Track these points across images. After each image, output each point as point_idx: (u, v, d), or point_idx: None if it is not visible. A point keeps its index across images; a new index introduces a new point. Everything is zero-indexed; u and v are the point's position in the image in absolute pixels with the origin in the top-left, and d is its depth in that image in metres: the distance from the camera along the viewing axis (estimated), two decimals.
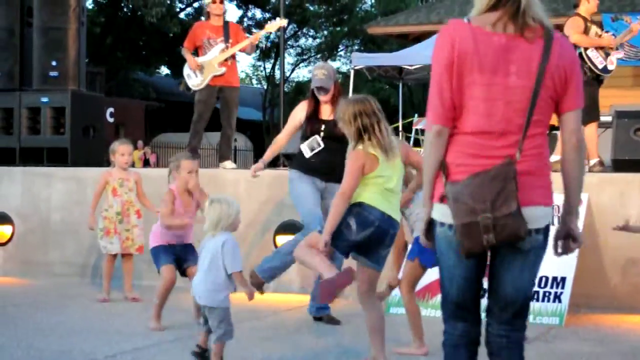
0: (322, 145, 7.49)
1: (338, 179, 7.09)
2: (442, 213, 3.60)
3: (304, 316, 7.80)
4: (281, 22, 11.86)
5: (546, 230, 3.61)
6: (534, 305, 7.53)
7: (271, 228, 9.38)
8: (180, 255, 7.36)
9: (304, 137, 7.62)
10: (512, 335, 3.70)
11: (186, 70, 11.18)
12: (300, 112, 7.68)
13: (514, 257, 3.58)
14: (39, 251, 10.73)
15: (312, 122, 7.55)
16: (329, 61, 46.59)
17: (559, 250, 3.73)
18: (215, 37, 11.02)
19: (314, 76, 7.58)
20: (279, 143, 7.87)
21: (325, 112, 7.56)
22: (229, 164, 11.13)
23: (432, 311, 7.55)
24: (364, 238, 5.43)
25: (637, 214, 8.27)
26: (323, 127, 7.50)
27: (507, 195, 3.41)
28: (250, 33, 36.32)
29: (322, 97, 7.53)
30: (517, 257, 3.58)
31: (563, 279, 7.79)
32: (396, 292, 8.25)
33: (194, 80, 11.06)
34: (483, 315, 3.78)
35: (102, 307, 8.40)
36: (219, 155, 11.45)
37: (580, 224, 8.02)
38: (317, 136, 7.51)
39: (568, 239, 3.72)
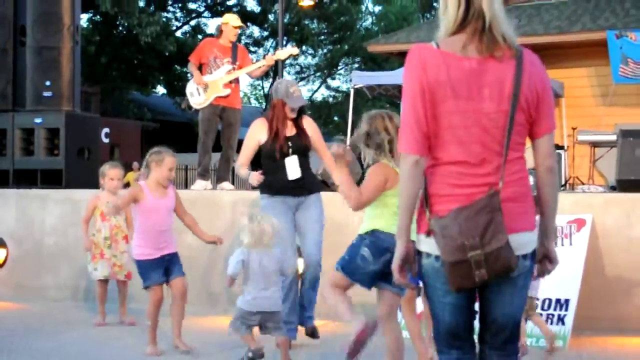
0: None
1: (309, 191, 7.49)
2: (429, 245, 3.56)
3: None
4: (292, 50, 12.08)
5: (533, 254, 3.61)
6: (536, 328, 7.55)
7: None
8: (167, 266, 7.26)
9: (270, 157, 7.49)
10: None
11: (189, 88, 11.30)
12: (258, 132, 7.55)
13: (503, 284, 3.57)
14: (33, 275, 10.75)
15: (279, 141, 7.43)
16: (328, 80, 46.81)
17: (536, 272, 3.73)
18: (223, 57, 11.17)
19: (292, 94, 7.47)
20: (243, 167, 7.58)
21: (287, 129, 7.51)
22: (227, 185, 11.19)
23: None
24: (381, 265, 5.41)
25: None
26: (290, 143, 7.48)
27: (495, 228, 3.39)
28: (249, 51, 36.58)
29: (293, 114, 7.51)
30: (507, 285, 3.57)
31: (567, 301, 7.81)
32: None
33: (197, 98, 11.17)
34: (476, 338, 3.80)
35: (97, 331, 8.42)
36: (217, 176, 11.51)
37: (584, 245, 8.09)
38: (295, 157, 7.45)
39: (545, 261, 3.72)
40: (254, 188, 7.71)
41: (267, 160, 7.52)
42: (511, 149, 3.52)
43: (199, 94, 11.15)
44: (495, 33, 3.48)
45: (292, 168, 7.45)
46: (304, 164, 7.51)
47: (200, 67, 11.28)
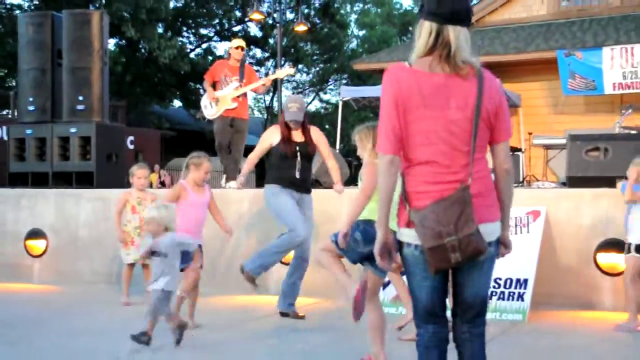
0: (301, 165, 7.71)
1: (308, 191, 7.75)
2: (409, 236, 3.62)
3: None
4: (289, 70, 12.37)
5: (497, 242, 3.70)
6: (500, 304, 7.56)
7: (271, 238, 9.37)
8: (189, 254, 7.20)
9: (281, 157, 7.68)
10: (473, 331, 3.77)
11: (203, 102, 11.52)
12: (271, 137, 7.79)
13: (472, 268, 3.64)
14: (70, 262, 10.74)
15: (289, 145, 7.67)
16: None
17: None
18: (232, 75, 11.38)
19: (289, 109, 7.70)
20: (251, 162, 7.89)
21: (297, 136, 7.75)
22: (234, 184, 11.19)
23: None
24: (370, 250, 5.41)
25: (589, 223, 8.31)
26: (298, 148, 7.67)
27: (466, 217, 3.46)
28: None
29: (294, 127, 7.72)
30: (475, 268, 3.64)
31: (525, 280, 7.81)
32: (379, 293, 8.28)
33: (210, 110, 11.41)
34: (449, 314, 3.83)
35: (125, 310, 8.41)
36: (226, 176, 11.51)
37: (539, 233, 8.09)
38: (298, 159, 7.66)
39: (501, 246, 3.78)
40: (258, 185, 7.79)
41: (278, 160, 7.71)
42: (477, 150, 3.57)
43: (212, 106, 11.38)
44: (457, 59, 3.55)
45: (299, 169, 7.70)
46: (307, 167, 7.78)
47: (214, 84, 11.46)
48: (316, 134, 7.85)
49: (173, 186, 8.66)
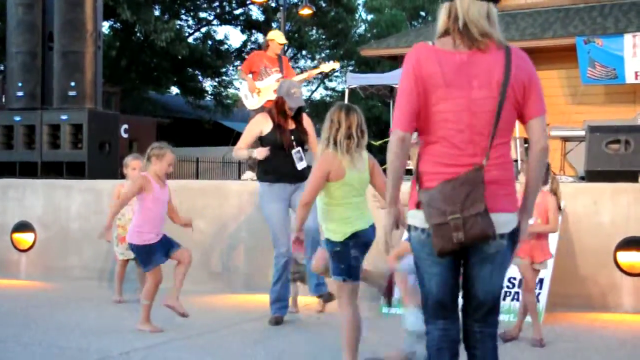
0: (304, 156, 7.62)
1: (305, 178, 7.25)
2: (417, 218, 3.61)
3: (299, 316, 7.82)
4: (334, 64, 12.56)
5: (511, 235, 3.62)
6: (515, 305, 7.52)
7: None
8: (166, 247, 7.12)
9: (275, 148, 7.49)
10: (485, 331, 3.73)
11: (243, 92, 11.73)
12: (260, 125, 7.58)
13: (483, 262, 3.61)
14: (59, 257, 10.73)
15: (283, 133, 7.50)
16: (325, 81, 46.73)
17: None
18: (271, 66, 11.60)
19: (292, 94, 7.50)
20: (241, 151, 7.65)
21: (288, 124, 7.60)
22: (250, 174, 11.26)
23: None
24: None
25: (608, 220, 8.28)
26: (292, 136, 7.54)
27: (475, 197, 3.44)
28: None
29: (290, 112, 7.56)
30: (486, 262, 3.60)
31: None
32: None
33: (251, 101, 11.58)
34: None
35: (116, 308, 8.40)
36: (249, 165, 11.53)
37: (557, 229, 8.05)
38: (299, 149, 7.55)
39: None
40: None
41: (271, 150, 7.49)
42: (498, 134, 3.54)
43: (253, 97, 11.55)
44: (471, 32, 3.55)
45: (299, 159, 7.53)
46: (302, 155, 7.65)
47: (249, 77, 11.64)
48: (307, 121, 7.71)
49: (132, 178, 8.43)
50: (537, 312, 6.82)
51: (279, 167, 7.50)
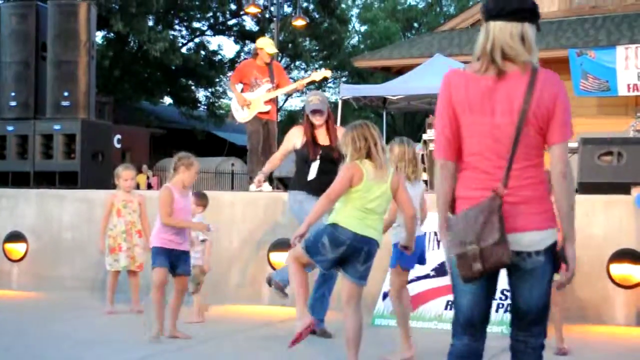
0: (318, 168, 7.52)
1: None
2: None
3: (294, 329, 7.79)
4: (326, 72, 11.88)
5: (548, 250, 3.67)
6: (507, 317, 7.50)
7: (265, 246, 9.37)
8: (176, 262, 7.15)
9: (305, 160, 7.56)
10: (529, 341, 3.81)
11: (234, 105, 11.41)
12: (295, 137, 7.64)
13: (522, 278, 3.71)
14: (51, 267, 10.69)
15: (313, 147, 7.52)
16: (319, 91, 46.81)
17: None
18: (262, 77, 11.27)
19: (309, 102, 7.55)
20: (274, 162, 7.94)
21: (321, 138, 7.57)
22: (266, 186, 11.11)
23: (414, 322, 7.49)
24: (339, 255, 5.53)
25: (601, 232, 8.28)
26: (321, 151, 7.51)
27: (491, 226, 3.51)
28: None
29: (318, 120, 7.50)
30: (525, 278, 3.70)
31: None
32: (379, 304, 8.25)
33: (242, 114, 11.29)
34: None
35: (108, 319, 8.37)
36: (250, 178, 11.46)
37: None
38: (318, 161, 7.48)
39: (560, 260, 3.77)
40: (278, 189, 7.73)
41: (300, 163, 7.62)
42: (521, 158, 3.61)
43: (243, 110, 11.27)
44: (496, 56, 3.58)
45: (314, 169, 7.49)
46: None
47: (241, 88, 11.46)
48: (338, 131, 7.55)
49: (160, 193, 8.43)
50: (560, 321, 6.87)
51: (311, 182, 7.48)
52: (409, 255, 6.19)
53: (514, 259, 3.58)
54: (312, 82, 13.94)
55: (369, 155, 5.54)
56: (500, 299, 7.70)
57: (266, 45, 11.45)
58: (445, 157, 3.70)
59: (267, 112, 11.22)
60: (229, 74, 38.53)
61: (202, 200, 8.25)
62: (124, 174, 8.75)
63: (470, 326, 3.76)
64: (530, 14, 3.62)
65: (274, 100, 11.63)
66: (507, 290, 7.52)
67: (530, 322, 3.78)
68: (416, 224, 6.02)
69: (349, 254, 5.51)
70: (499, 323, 7.46)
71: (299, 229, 5.61)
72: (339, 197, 5.53)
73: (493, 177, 3.61)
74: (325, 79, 12.76)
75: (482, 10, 3.68)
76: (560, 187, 3.66)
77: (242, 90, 11.36)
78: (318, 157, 7.50)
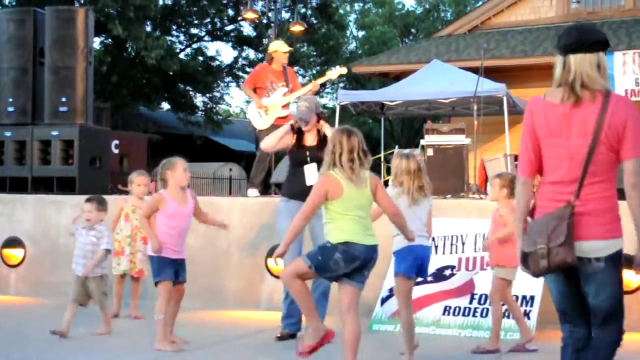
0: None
1: None
2: None
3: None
4: (342, 69, 11.46)
5: (609, 258, 4.12)
6: (505, 322, 7.50)
7: (262, 251, 9.37)
8: (177, 270, 7.11)
9: (293, 164, 7.60)
10: (601, 336, 4.27)
11: (251, 112, 11.23)
12: (288, 140, 7.63)
13: (587, 280, 4.18)
14: (49, 272, 10.69)
15: (299, 150, 7.54)
16: (316, 97, 46.86)
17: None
18: (277, 81, 11.13)
19: (298, 107, 7.55)
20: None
21: (309, 139, 7.57)
22: (253, 192, 11.06)
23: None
24: (351, 269, 5.58)
25: None
26: (308, 153, 7.50)
27: (560, 231, 4.03)
28: (244, 72, 36.47)
29: (305, 129, 7.55)
30: (589, 280, 4.17)
31: (532, 297, 7.79)
32: (377, 309, 8.26)
33: (260, 120, 11.09)
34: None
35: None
36: (251, 183, 11.37)
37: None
38: (314, 165, 7.39)
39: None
40: (276, 194, 7.71)
41: (291, 166, 7.65)
42: (592, 174, 4.10)
43: (261, 116, 11.08)
44: (576, 86, 4.10)
45: (311, 175, 7.40)
46: None
47: (254, 91, 11.22)
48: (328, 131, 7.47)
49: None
50: (500, 321, 7.09)
51: (293, 184, 7.51)
52: (410, 261, 6.26)
53: (578, 264, 4.07)
54: (328, 81, 13.64)
55: (341, 165, 5.56)
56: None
57: (280, 45, 11.38)
58: (527, 176, 4.27)
59: (285, 117, 10.92)
60: (227, 79, 38.62)
61: (101, 205, 7.88)
62: (138, 179, 8.81)
63: (564, 314, 4.36)
64: (603, 45, 4.17)
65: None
66: (518, 296, 7.60)
67: (602, 319, 4.22)
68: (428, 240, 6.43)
69: (361, 265, 5.57)
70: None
71: (279, 249, 5.63)
72: (314, 213, 5.62)
73: (566, 189, 4.13)
74: (341, 76, 12.45)
75: (559, 46, 4.21)
76: (630, 198, 4.11)
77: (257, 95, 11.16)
78: (303, 159, 7.50)
